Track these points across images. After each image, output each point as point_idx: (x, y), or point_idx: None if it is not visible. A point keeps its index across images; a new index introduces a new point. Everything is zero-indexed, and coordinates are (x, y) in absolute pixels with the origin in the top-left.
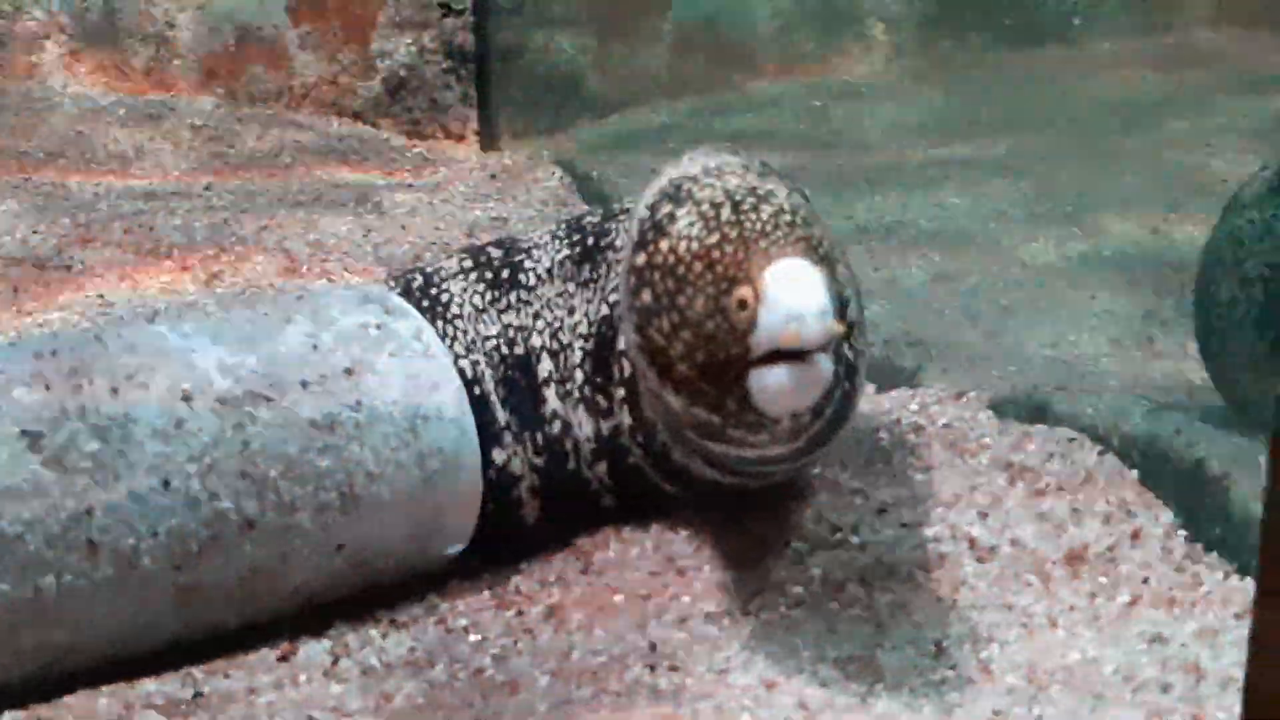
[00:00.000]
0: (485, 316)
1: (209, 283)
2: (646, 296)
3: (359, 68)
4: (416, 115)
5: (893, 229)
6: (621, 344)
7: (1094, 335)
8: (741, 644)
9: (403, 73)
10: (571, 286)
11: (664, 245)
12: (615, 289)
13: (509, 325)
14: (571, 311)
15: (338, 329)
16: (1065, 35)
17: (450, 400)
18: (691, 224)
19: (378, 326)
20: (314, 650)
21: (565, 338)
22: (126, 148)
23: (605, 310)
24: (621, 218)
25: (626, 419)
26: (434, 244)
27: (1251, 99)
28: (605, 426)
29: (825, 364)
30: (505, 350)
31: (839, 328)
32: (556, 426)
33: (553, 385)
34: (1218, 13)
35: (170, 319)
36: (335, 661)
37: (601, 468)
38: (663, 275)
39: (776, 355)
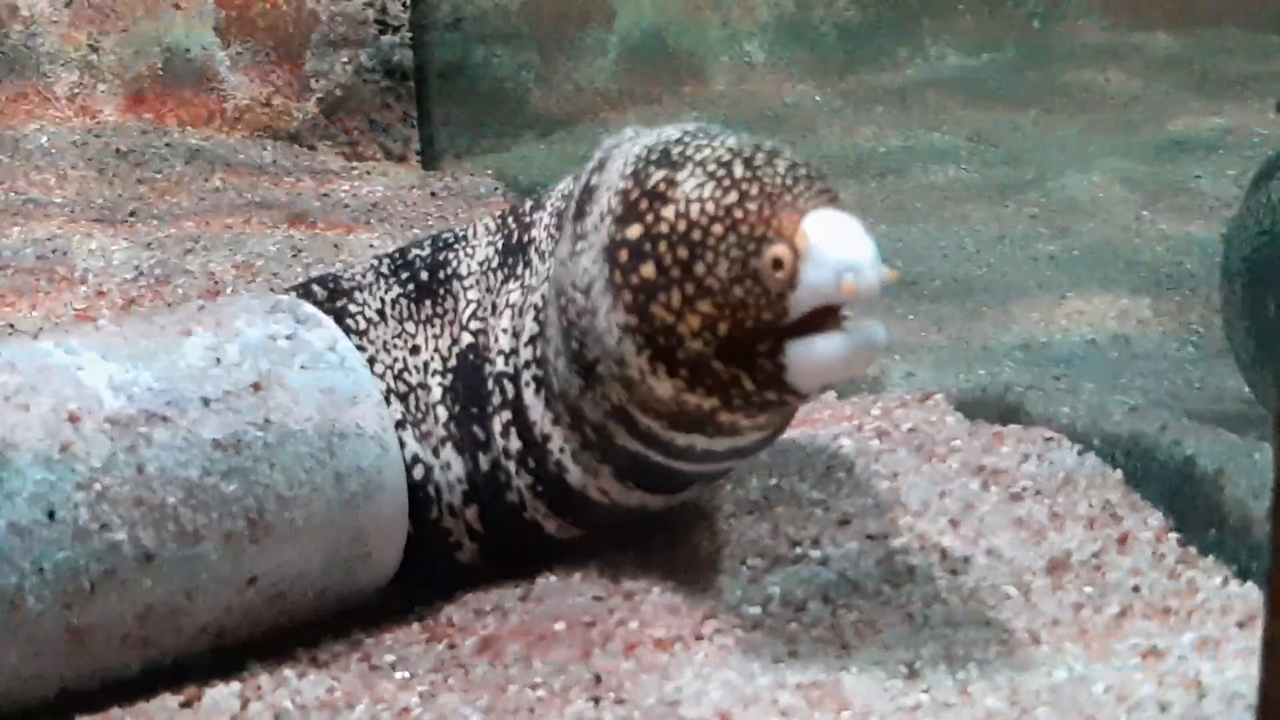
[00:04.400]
0: None
1: (126, 308)
2: (649, 270)
3: (293, 89)
4: (355, 136)
5: None
6: (501, 365)
7: (1066, 336)
8: (694, 672)
9: (339, 93)
10: (411, 325)
11: (668, 212)
12: (475, 315)
13: None
14: (416, 350)
15: (243, 341)
16: (1026, 38)
17: (370, 415)
18: (701, 185)
19: (288, 337)
20: (222, 694)
21: (414, 378)
22: (48, 176)
23: (468, 339)
24: (456, 245)
25: (513, 443)
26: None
27: (1216, 100)
28: (483, 461)
29: (880, 331)
30: None
31: (892, 276)
32: (418, 472)
33: (408, 429)
34: (1180, 14)
35: (55, 334)
36: (244, 705)
37: (471, 512)
38: (671, 245)
39: (813, 318)
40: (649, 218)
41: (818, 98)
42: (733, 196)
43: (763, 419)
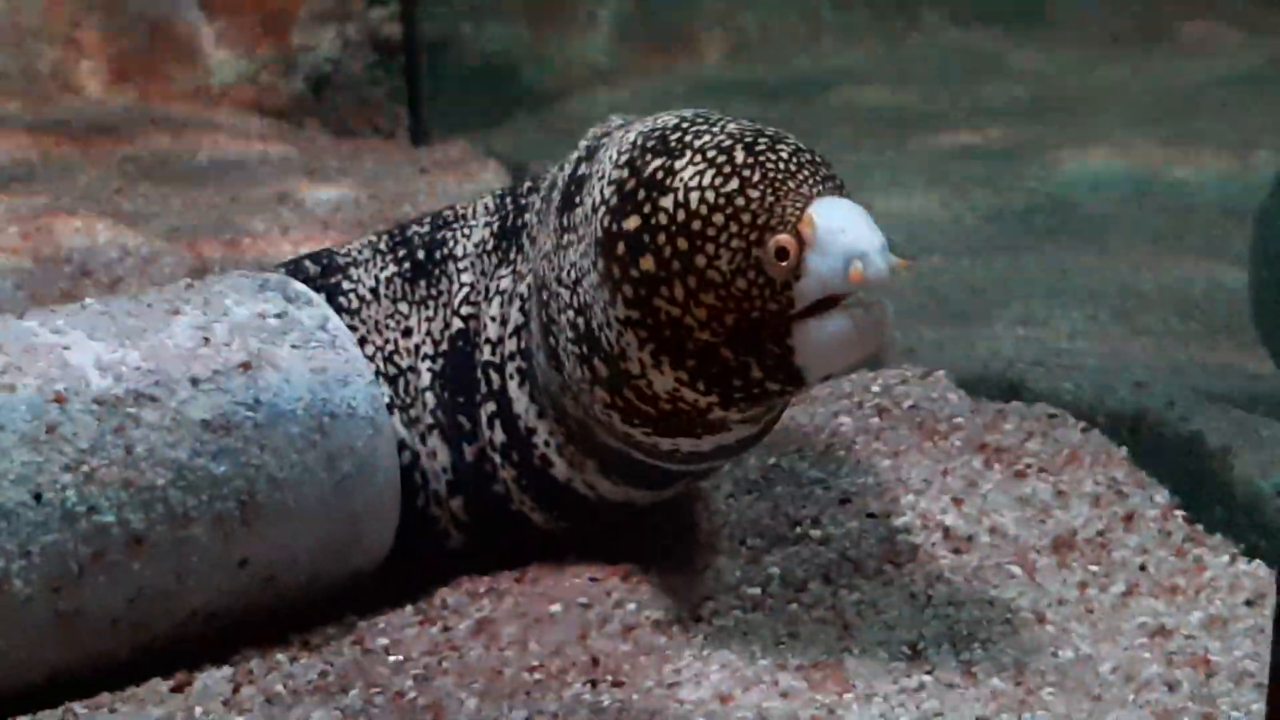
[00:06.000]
0: None
1: (112, 288)
2: (648, 263)
3: (280, 64)
4: (343, 113)
5: None
6: (488, 354)
7: (1067, 312)
8: (693, 654)
9: (326, 68)
10: (404, 306)
11: (666, 202)
12: (468, 299)
13: None
14: (408, 333)
15: (232, 320)
16: (1030, 16)
17: (362, 395)
18: (700, 173)
19: (278, 316)
20: (213, 678)
21: (404, 360)
22: (32, 154)
23: (459, 324)
24: (455, 225)
25: (499, 435)
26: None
27: (1216, 75)
28: (468, 452)
29: (886, 308)
30: None
31: (903, 264)
32: (405, 458)
33: (395, 413)
34: None
35: (41, 313)
36: (236, 690)
37: (456, 502)
38: (670, 236)
39: (821, 304)
40: (647, 208)
41: (808, 65)
42: (734, 184)
43: (754, 412)
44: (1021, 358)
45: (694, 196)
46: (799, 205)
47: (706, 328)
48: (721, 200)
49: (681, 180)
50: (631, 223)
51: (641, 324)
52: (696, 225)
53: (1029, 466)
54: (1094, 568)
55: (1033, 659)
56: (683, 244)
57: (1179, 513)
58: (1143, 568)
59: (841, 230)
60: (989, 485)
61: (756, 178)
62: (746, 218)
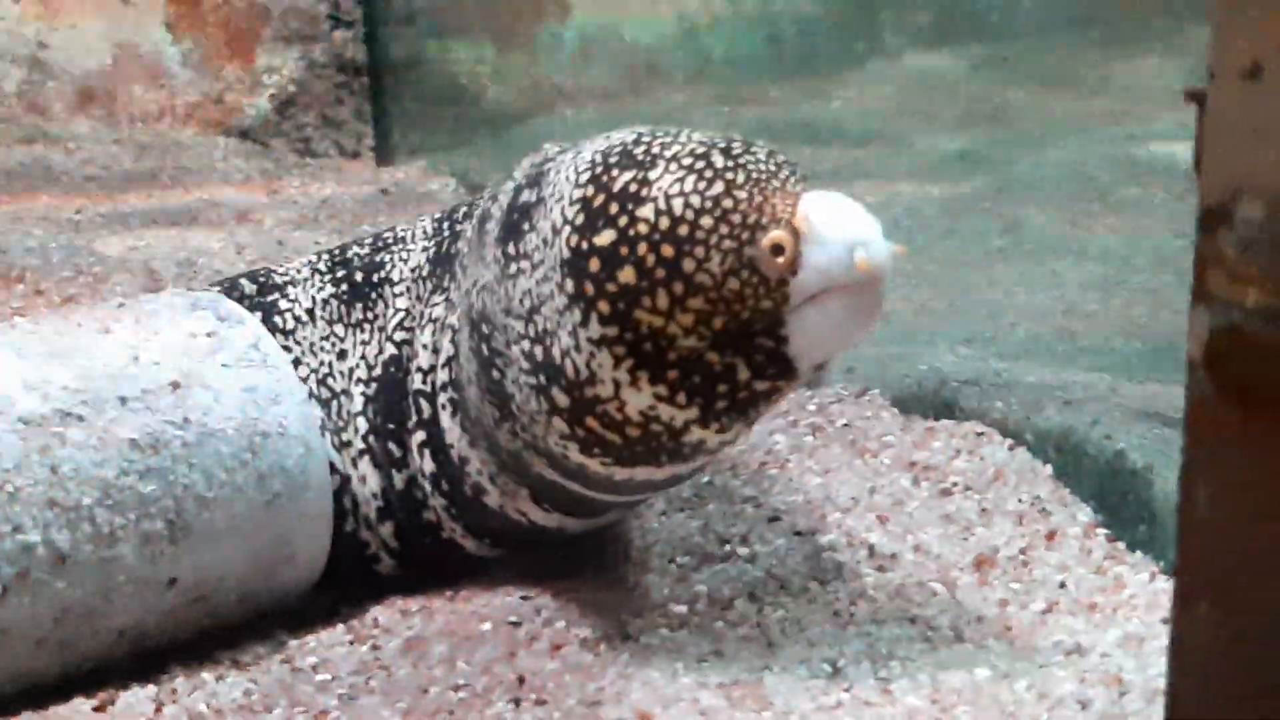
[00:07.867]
0: None
1: (64, 306)
2: (628, 275)
3: (245, 85)
4: (308, 133)
5: None
6: (419, 383)
7: (1013, 331)
8: (618, 671)
9: (291, 88)
10: (340, 328)
11: (644, 212)
12: (402, 325)
13: None
14: (343, 355)
15: (162, 339)
16: (986, 30)
17: (293, 414)
18: (680, 179)
19: (209, 335)
20: (136, 697)
21: (338, 384)
22: None
23: (392, 350)
24: (394, 247)
25: (428, 464)
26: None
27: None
28: (398, 479)
29: (883, 286)
30: None
31: (901, 251)
32: (335, 482)
33: (327, 436)
34: None
35: None
36: (159, 709)
37: (387, 528)
38: (652, 245)
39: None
40: (622, 220)
41: (775, 93)
42: (719, 187)
43: (732, 431)
44: (958, 375)
45: (677, 203)
46: (789, 201)
47: (692, 333)
48: (709, 204)
49: (660, 189)
50: (605, 237)
51: (619, 340)
52: (683, 230)
53: (955, 484)
54: (1014, 585)
55: (949, 677)
56: (668, 251)
57: (1101, 531)
58: (1062, 585)
59: (840, 220)
60: (915, 503)
61: (741, 179)
62: (737, 218)
